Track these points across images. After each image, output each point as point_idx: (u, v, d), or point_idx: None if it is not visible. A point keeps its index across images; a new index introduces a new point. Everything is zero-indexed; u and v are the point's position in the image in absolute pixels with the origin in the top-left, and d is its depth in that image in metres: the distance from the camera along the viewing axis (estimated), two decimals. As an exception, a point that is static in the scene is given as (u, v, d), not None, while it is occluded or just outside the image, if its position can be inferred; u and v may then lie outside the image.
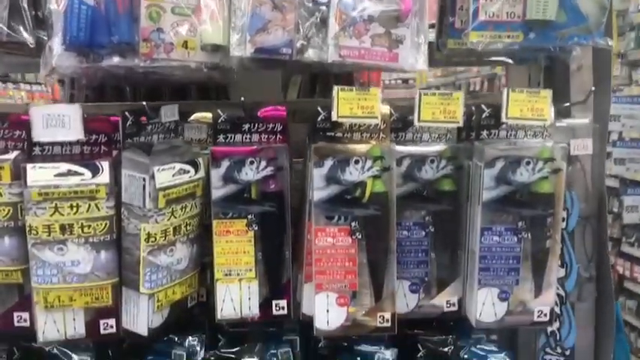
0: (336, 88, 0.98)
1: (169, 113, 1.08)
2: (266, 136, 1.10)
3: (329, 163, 0.99)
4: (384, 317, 1.02)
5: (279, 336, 1.19)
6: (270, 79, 1.49)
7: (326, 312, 1.01)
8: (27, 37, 0.99)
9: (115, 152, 1.07)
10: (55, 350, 1.13)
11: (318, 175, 0.99)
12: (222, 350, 1.13)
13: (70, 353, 1.12)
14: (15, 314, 1.06)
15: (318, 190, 0.99)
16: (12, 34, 0.99)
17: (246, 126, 1.10)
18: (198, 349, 1.15)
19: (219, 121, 1.10)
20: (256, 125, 1.10)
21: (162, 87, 1.40)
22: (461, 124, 1.01)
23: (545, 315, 1.05)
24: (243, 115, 1.10)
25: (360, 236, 1.00)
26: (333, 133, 1.05)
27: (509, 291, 1.04)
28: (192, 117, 1.17)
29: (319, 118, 1.04)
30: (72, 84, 1.46)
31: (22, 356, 1.15)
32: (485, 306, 1.04)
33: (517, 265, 1.03)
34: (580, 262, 1.20)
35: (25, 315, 1.07)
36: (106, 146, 1.06)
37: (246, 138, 1.10)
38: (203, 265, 1.15)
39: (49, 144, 1.03)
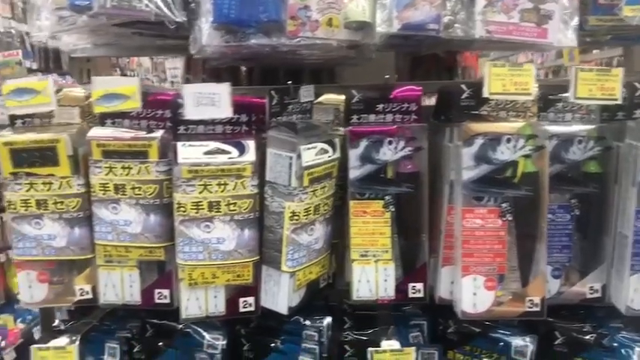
0: (488, 64, 0.95)
1: (307, 94, 1.08)
2: (400, 117, 1.08)
3: (479, 141, 0.96)
4: (532, 302, 0.99)
5: (406, 320, 1.18)
6: (380, 65, 1.47)
7: (473, 295, 0.99)
8: (175, 16, 1.00)
9: (254, 132, 1.07)
10: (188, 328, 1.15)
11: (467, 154, 0.97)
12: (355, 332, 1.12)
13: (202, 332, 1.14)
14: (156, 291, 1.09)
15: (467, 170, 0.97)
16: (160, 14, 1.01)
17: (380, 106, 1.08)
18: (325, 330, 1.15)
19: (353, 101, 1.09)
20: (390, 105, 1.08)
21: (276, 70, 1.41)
22: (620, 102, 0.96)
23: None
24: (377, 95, 1.09)
25: (510, 218, 0.97)
26: (477, 111, 1.02)
27: (664, 277, 0.99)
28: (321, 99, 1.17)
29: (463, 96, 1.02)
30: (187, 68, 1.48)
31: (154, 333, 1.17)
32: (638, 293, 1.00)
33: (674, 250, 0.98)
34: None
35: (166, 292, 1.09)
36: (246, 126, 1.07)
37: (379, 118, 1.09)
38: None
39: (194, 123, 1.05)
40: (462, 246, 0.98)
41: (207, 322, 1.16)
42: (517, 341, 1.07)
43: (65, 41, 1.23)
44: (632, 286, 0.99)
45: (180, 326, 1.15)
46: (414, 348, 1.01)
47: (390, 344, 1.01)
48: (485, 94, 0.96)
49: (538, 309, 0.99)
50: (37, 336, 4.39)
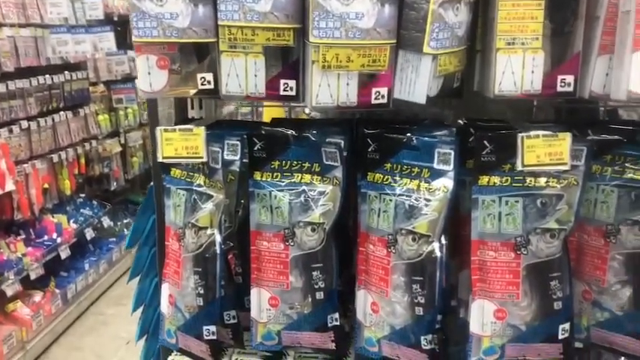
0: None
1: None
2: None
3: None
4: None
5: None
6: None
7: (641, 72, 0.89)
8: None
9: None
10: (307, 133, 1.09)
11: None
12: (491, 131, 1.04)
13: (322, 135, 1.08)
14: (281, 82, 1.02)
15: None
16: None
17: None
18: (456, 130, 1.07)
19: None
20: None
21: None
22: None
23: None
24: None
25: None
26: None
27: None
28: None
29: None
30: None
31: (272, 134, 1.11)
32: None
33: None
34: None
35: (292, 83, 1.02)
36: None
37: None
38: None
39: None
40: (637, 16, 0.88)
41: (326, 129, 1.11)
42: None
43: None
44: None
45: (303, 132, 1.10)
46: (569, 133, 0.93)
47: (540, 131, 0.94)
48: None
49: None
50: (89, 236, 4.52)
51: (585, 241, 1.09)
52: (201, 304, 1.06)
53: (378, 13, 0.94)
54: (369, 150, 1.06)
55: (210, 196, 1.04)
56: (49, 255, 3.87)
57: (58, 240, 4.01)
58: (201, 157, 0.98)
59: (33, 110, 3.88)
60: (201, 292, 1.05)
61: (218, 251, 1.04)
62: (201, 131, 0.98)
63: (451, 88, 1.05)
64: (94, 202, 4.69)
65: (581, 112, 1.33)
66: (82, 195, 4.65)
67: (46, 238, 3.99)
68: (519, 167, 0.94)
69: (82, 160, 4.50)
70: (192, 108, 1.33)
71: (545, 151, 0.93)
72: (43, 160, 3.97)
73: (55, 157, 4.09)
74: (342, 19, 0.93)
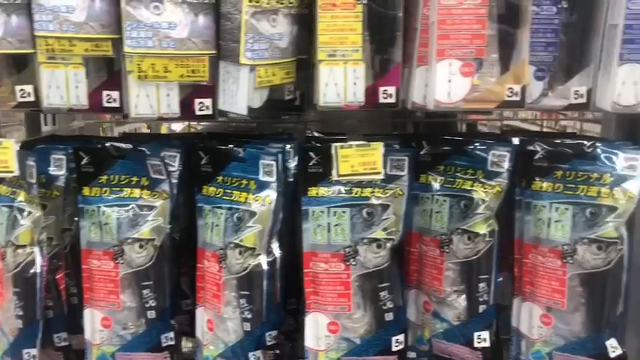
0: None
1: None
2: None
3: None
4: (512, 90, 0.91)
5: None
6: None
7: (447, 82, 0.91)
8: None
9: None
10: (142, 147, 1.06)
11: None
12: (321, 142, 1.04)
13: (156, 148, 1.06)
14: (104, 93, 0.99)
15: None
16: None
17: None
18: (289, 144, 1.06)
19: None
20: None
21: None
22: None
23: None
24: None
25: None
26: None
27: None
28: None
29: None
30: None
31: (104, 149, 1.07)
32: (626, 86, 0.92)
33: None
34: None
35: (115, 94, 0.99)
36: None
37: None
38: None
39: None
40: (438, 27, 0.89)
41: (165, 142, 1.09)
42: (493, 152, 1.01)
43: None
44: (620, 78, 0.92)
45: (132, 146, 1.07)
46: (381, 143, 0.93)
47: (354, 142, 0.94)
48: None
49: (518, 98, 0.91)
50: None
51: (424, 252, 1.09)
52: (21, 326, 1.00)
53: (192, 23, 0.93)
54: (202, 163, 1.05)
55: (29, 213, 0.99)
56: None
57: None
58: (12, 172, 0.94)
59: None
60: (21, 313, 1.00)
61: (38, 270, 0.99)
62: (10, 144, 0.94)
63: (283, 101, 1.04)
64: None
65: (440, 126, 1.36)
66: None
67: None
68: (335, 177, 0.93)
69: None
70: (46, 124, 1.29)
71: (358, 160, 0.93)
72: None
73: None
74: (154, 28, 0.92)
